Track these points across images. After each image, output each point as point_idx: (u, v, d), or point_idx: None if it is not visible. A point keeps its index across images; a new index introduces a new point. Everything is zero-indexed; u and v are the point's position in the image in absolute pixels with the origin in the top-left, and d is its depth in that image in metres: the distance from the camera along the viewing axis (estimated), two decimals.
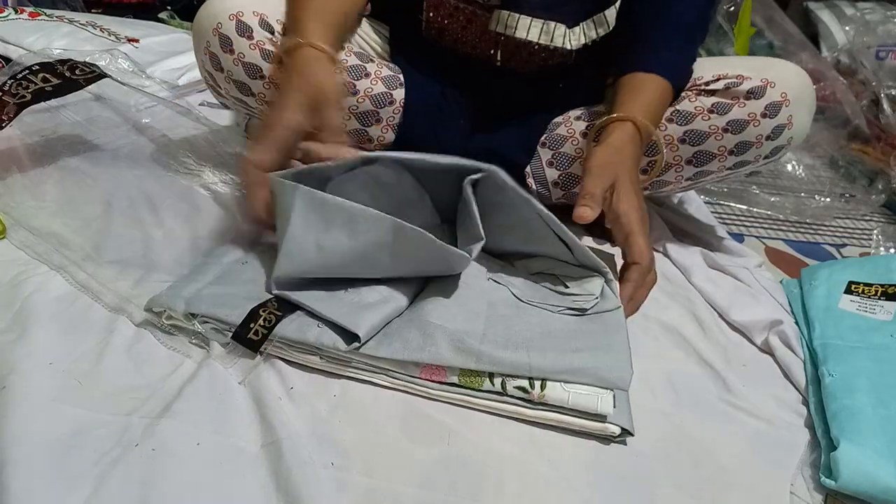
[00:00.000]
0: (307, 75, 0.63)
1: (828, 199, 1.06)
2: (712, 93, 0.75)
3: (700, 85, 0.75)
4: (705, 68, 0.76)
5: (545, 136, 0.82)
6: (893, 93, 1.10)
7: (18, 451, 0.44)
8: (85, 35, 1.17)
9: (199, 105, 1.10)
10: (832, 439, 0.54)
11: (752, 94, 0.73)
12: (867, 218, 1.04)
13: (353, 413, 0.52)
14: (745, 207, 1.00)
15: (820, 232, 0.98)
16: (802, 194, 1.07)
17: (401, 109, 0.81)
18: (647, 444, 0.54)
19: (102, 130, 0.98)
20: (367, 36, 0.86)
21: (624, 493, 0.49)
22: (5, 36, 1.13)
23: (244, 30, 0.74)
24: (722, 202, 1.01)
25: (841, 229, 1.00)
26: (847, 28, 1.36)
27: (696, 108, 0.75)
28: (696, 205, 0.96)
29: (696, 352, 0.66)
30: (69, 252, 0.66)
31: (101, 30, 1.20)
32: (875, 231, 0.94)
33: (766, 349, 0.68)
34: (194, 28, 0.78)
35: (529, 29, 0.75)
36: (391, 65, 0.83)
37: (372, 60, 0.81)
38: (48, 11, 1.25)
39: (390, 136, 0.83)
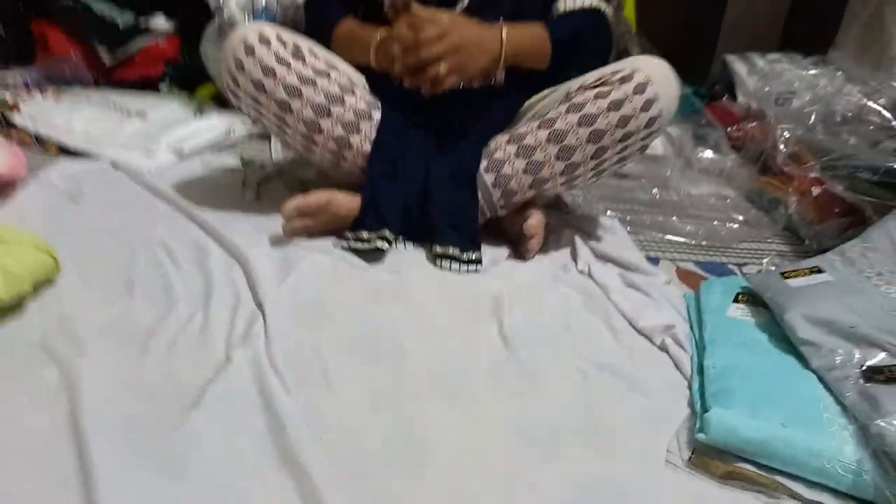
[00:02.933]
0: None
1: (736, 225, 1.26)
2: (596, 86, 0.98)
3: (586, 85, 0.99)
4: (589, 75, 1.00)
5: (486, 162, 1.02)
6: (786, 134, 1.31)
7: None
8: (101, 111, 1.36)
9: (199, 167, 1.28)
10: (706, 409, 0.71)
11: (624, 80, 0.95)
12: (769, 240, 1.23)
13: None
14: (661, 235, 1.19)
15: (727, 254, 1.17)
16: (715, 222, 1.26)
17: (377, 126, 1.03)
18: (559, 412, 0.71)
19: (119, 191, 1.17)
20: (351, 71, 1.07)
21: (536, 443, 0.66)
22: (35, 116, 1.33)
23: (264, 40, 0.97)
24: (642, 231, 1.20)
25: (745, 251, 1.19)
26: (756, 78, 1.58)
27: (584, 98, 0.97)
28: (620, 233, 1.15)
29: (608, 351, 0.84)
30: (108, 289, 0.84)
31: (114, 105, 1.40)
32: (769, 256, 1.14)
33: (663, 347, 0.86)
34: (225, 45, 0.99)
35: None
36: (371, 94, 1.06)
37: (357, 87, 1.04)
38: (68, 92, 1.44)
39: (367, 147, 1.03)
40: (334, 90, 1.00)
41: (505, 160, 1.01)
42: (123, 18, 1.62)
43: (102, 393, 0.66)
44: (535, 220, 1.03)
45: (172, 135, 1.31)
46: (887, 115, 1.32)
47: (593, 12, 1.06)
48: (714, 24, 2.03)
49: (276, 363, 0.73)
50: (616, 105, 0.95)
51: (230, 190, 1.19)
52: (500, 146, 1.03)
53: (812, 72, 1.53)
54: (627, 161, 1.03)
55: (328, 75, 1.01)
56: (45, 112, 1.34)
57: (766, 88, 1.48)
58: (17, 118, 1.35)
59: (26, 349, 0.73)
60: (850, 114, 1.38)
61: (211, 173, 1.25)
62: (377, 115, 1.05)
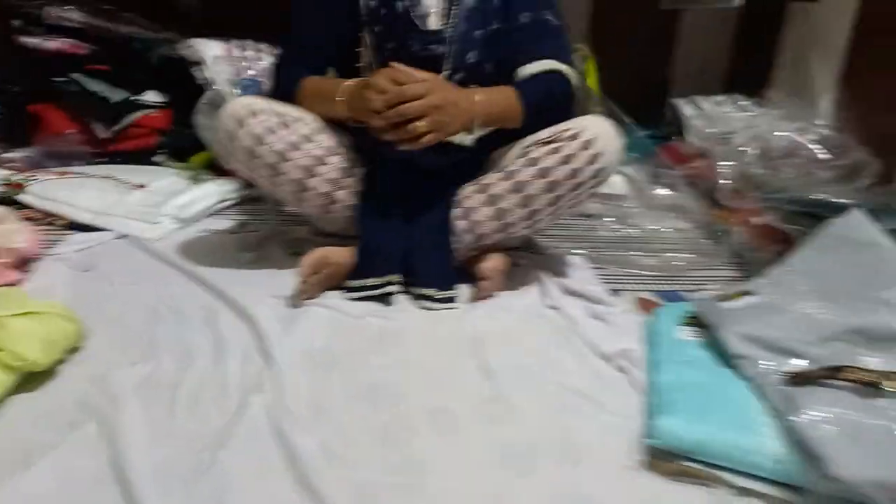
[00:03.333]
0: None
1: (690, 256, 1.40)
2: (549, 142, 1.11)
3: (541, 140, 1.13)
4: (544, 132, 1.14)
5: (458, 210, 1.16)
6: (728, 171, 1.46)
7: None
8: (104, 185, 1.48)
9: (200, 232, 1.40)
10: (655, 419, 0.83)
11: (573, 137, 1.09)
12: (719, 267, 1.37)
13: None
14: (623, 270, 1.33)
15: (681, 282, 1.31)
16: (670, 254, 1.40)
17: (361, 182, 1.17)
18: (534, 433, 0.83)
19: (130, 260, 1.28)
20: (336, 132, 1.19)
21: (515, 461, 0.78)
22: (42, 194, 1.44)
23: (253, 112, 1.10)
24: (605, 266, 1.34)
25: (697, 278, 1.32)
26: (701, 120, 1.75)
27: (540, 153, 1.11)
28: (584, 270, 1.28)
29: (572, 374, 0.96)
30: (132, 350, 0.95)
31: (115, 180, 1.52)
32: (719, 282, 1.28)
33: (622, 370, 0.98)
34: (220, 116, 1.13)
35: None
36: (354, 150, 1.20)
37: (341, 147, 1.18)
38: (71, 169, 1.56)
39: (352, 200, 1.17)
40: (319, 152, 1.14)
41: (475, 207, 1.15)
42: (117, 95, 1.75)
43: (139, 441, 0.77)
44: (490, 264, 1.15)
45: (173, 203, 1.43)
46: (816, 148, 1.48)
47: (559, 75, 1.17)
48: (664, 71, 2.21)
49: (288, 407, 0.84)
50: (567, 159, 1.09)
51: (230, 252, 1.30)
52: (470, 195, 1.16)
53: (751, 113, 1.69)
54: (581, 205, 1.17)
55: (313, 139, 1.14)
56: (51, 189, 1.46)
57: (709, 129, 1.64)
58: (25, 196, 1.46)
59: (66, 407, 0.84)
60: (784, 149, 1.54)
61: (211, 237, 1.37)
62: (360, 171, 1.19)
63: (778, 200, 1.27)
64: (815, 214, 1.19)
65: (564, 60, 1.18)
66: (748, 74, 2.04)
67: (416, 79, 1.06)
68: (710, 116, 1.73)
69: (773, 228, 1.28)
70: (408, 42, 1.16)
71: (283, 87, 1.20)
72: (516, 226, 1.16)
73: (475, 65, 1.18)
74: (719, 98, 1.85)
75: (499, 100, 1.13)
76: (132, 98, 1.75)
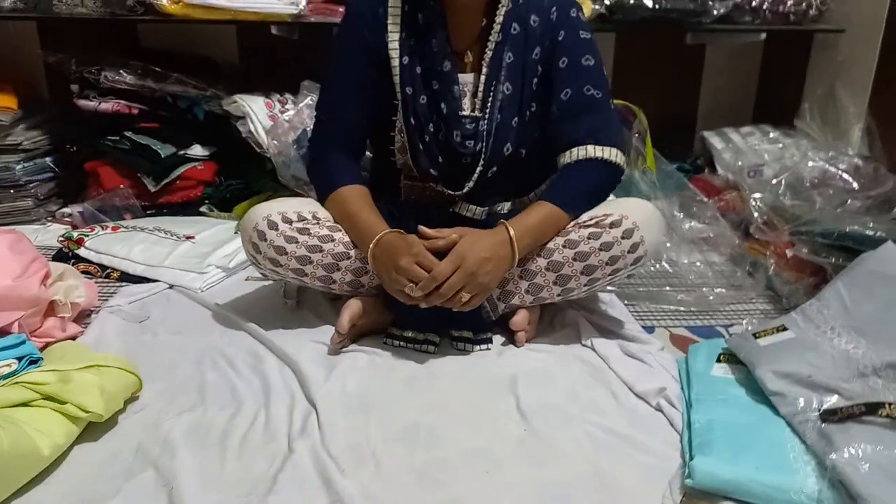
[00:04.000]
0: (401, 246, 1.06)
1: (723, 290, 1.40)
2: (588, 226, 1.11)
3: (581, 223, 1.12)
4: (583, 215, 1.13)
5: None
6: (760, 203, 1.47)
7: None
8: (155, 238, 1.56)
9: (245, 280, 1.47)
10: (692, 458, 0.84)
11: (613, 225, 1.09)
12: (753, 300, 1.37)
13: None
14: (656, 305, 1.34)
15: (715, 316, 1.31)
16: (704, 288, 1.41)
17: None
18: (571, 472, 0.85)
19: (179, 310, 1.34)
20: None
21: (546, 499, 0.80)
22: (98, 248, 1.53)
23: (272, 225, 1.13)
24: (639, 302, 1.35)
25: (731, 312, 1.33)
26: (730, 152, 1.76)
27: (579, 236, 1.10)
28: (618, 308, 1.30)
29: (608, 413, 0.98)
30: (182, 398, 1.00)
31: (165, 232, 1.60)
32: (753, 315, 1.28)
33: (658, 409, 0.99)
34: (241, 227, 1.18)
35: (477, 212, 1.18)
36: None
37: None
38: (124, 224, 1.65)
39: (376, 281, 1.15)
40: (339, 250, 1.14)
41: (509, 279, 1.14)
42: (165, 150, 1.85)
43: (194, 487, 0.81)
44: (519, 317, 1.15)
45: (218, 253, 1.50)
46: (848, 178, 1.48)
47: (598, 163, 1.12)
48: (691, 104, 2.24)
49: (331, 450, 0.88)
50: (606, 247, 1.09)
51: (273, 300, 1.36)
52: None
53: (780, 144, 1.70)
54: (617, 282, 1.16)
55: (332, 238, 1.15)
56: (106, 244, 1.54)
57: (739, 162, 1.65)
58: (81, 251, 1.55)
59: (125, 456, 0.89)
60: (815, 179, 1.54)
61: (255, 286, 1.43)
62: None
63: (809, 233, 1.27)
64: (849, 247, 1.19)
65: (606, 138, 1.13)
66: (775, 106, 2.05)
67: (441, 245, 1.06)
68: (739, 148, 1.74)
69: (806, 261, 1.28)
70: (442, 135, 1.15)
71: (317, 185, 1.23)
72: (549, 299, 1.17)
73: (511, 155, 1.17)
74: (747, 129, 1.87)
75: (534, 224, 1.10)
76: (179, 152, 1.84)
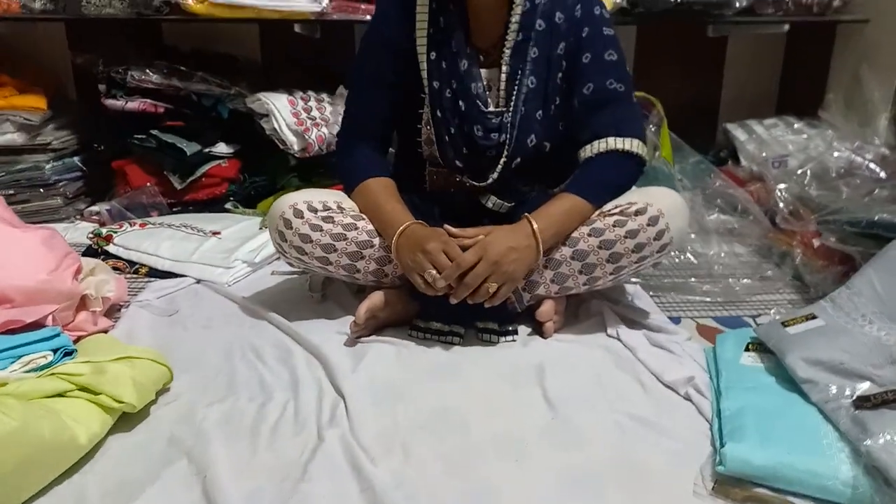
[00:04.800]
0: (429, 234, 1.07)
1: (749, 280, 1.39)
2: (613, 215, 1.11)
3: (605, 212, 1.12)
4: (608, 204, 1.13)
5: None
6: (785, 194, 1.46)
7: None
8: (182, 234, 1.58)
9: (272, 274, 1.48)
10: (723, 445, 0.84)
11: (639, 213, 1.09)
12: (780, 291, 1.36)
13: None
14: (681, 296, 1.33)
15: (741, 307, 1.30)
16: (730, 279, 1.40)
17: None
18: (600, 461, 0.85)
19: (207, 304, 1.36)
20: None
21: (582, 488, 0.80)
22: (126, 244, 1.55)
23: (297, 213, 1.15)
24: (665, 293, 1.35)
25: (758, 303, 1.32)
26: (754, 144, 1.74)
27: (604, 224, 1.11)
28: (643, 298, 1.30)
29: (639, 404, 0.97)
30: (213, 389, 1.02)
31: (191, 228, 1.62)
32: (780, 305, 1.27)
33: (687, 397, 0.99)
34: (268, 216, 1.19)
35: (501, 205, 1.19)
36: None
37: None
38: (151, 220, 1.68)
39: (400, 272, 1.16)
40: (363, 238, 1.16)
41: (534, 270, 1.13)
42: (191, 148, 1.87)
43: (228, 475, 0.82)
44: (545, 308, 1.15)
45: (245, 248, 1.51)
46: (875, 167, 1.46)
47: (629, 158, 1.14)
48: (714, 96, 2.22)
49: (360, 439, 0.89)
50: (632, 234, 1.09)
51: (299, 293, 1.37)
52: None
53: (804, 135, 1.68)
54: (643, 271, 1.17)
55: (356, 227, 1.16)
56: (135, 240, 1.57)
57: (763, 154, 1.63)
58: (110, 247, 1.58)
59: (159, 445, 0.90)
60: (842, 169, 1.53)
61: (281, 280, 1.45)
62: None
63: (837, 222, 1.26)
64: (877, 235, 1.18)
65: (629, 130, 1.14)
66: (799, 97, 2.03)
67: (468, 243, 1.07)
68: (763, 139, 1.73)
69: (834, 250, 1.26)
70: (467, 128, 1.17)
71: (344, 177, 1.25)
72: (574, 289, 1.17)
73: (534, 148, 1.18)
74: (771, 121, 1.85)
75: (557, 216, 1.10)
76: (204, 150, 1.87)
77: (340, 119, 1.29)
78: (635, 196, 1.13)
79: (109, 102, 1.83)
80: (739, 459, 0.78)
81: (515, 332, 1.17)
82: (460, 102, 1.16)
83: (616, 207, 1.12)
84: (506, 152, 1.17)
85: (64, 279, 1.13)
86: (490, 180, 1.19)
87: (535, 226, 1.08)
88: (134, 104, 1.83)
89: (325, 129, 1.80)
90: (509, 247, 1.06)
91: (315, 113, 1.75)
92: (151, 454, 0.88)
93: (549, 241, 1.10)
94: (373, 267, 1.18)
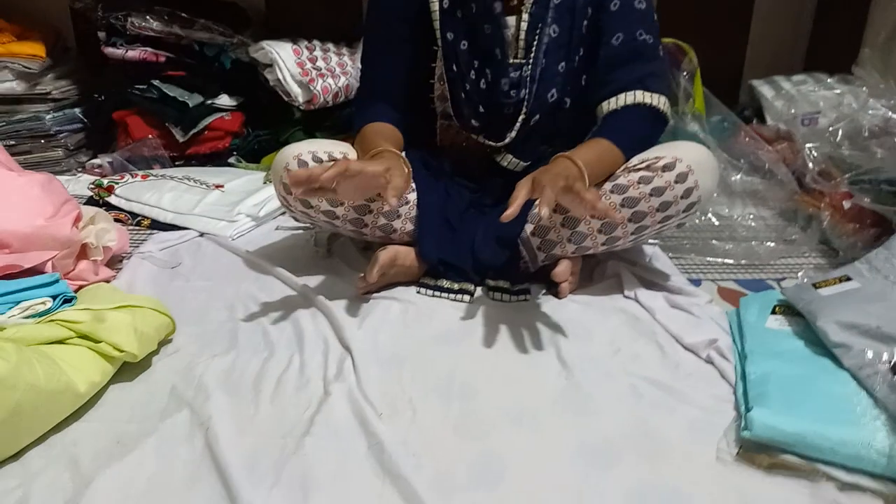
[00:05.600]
0: (390, 158, 0.98)
1: (773, 244, 1.33)
2: (638, 170, 1.03)
3: (630, 167, 1.05)
4: (632, 159, 1.06)
5: (531, 226, 1.11)
6: (815, 153, 1.39)
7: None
8: (184, 187, 1.54)
9: (276, 229, 1.44)
10: (749, 409, 0.79)
11: (666, 168, 1.02)
12: (806, 255, 1.30)
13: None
14: (702, 258, 1.28)
15: (765, 270, 1.24)
16: (753, 242, 1.34)
17: (415, 207, 1.14)
18: (614, 426, 0.81)
19: (209, 257, 1.32)
20: None
21: (595, 455, 0.76)
22: (128, 196, 1.51)
23: (302, 164, 1.08)
24: (684, 255, 1.29)
25: (783, 266, 1.26)
26: (782, 101, 1.66)
27: (628, 181, 1.03)
28: (662, 260, 1.25)
29: (656, 368, 0.93)
30: (215, 343, 0.98)
31: (194, 181, 1.57)
32: (805, 269, 1.21)
33: (709, 360, 0.94)
34: (273, 168, 1.13)
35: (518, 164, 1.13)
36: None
37: None
38: (153, 172, 1.63)
39: (409, 227, 1.14)
40: None
41: (550, 227, 1.08)
42: (193, 100, 1.81)
43: (229, 428, 0.79)
44: (562, 268, 1.08)
45: (248, 202, 1.47)
46: None
47: (655, 115, 1.08)
48: (739, 53, 2.12)
49: (367, 395, 0.85)
50: (658, 192, 1.02)
51: (304, 248, 1.33)
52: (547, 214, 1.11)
53: (836, 91, 1.60)
54: (665, 232, 1.10)
55: None
56: (136, 191, 1.52)
57: (792, 110, 1.56)
58: (113, 199, 1.53)
59: (161, 397, 0.87)
60: (876, 127, 1.45)
61: (286, 234, 1.40)
62: (413, 196, 1.14)
63: (873, 181, 1.19)
64: None
65: (656, 86, 1.08)
66: (830, 53, 1.93)
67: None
68: (792, 96, 1.65)
69: (867, 211, 1.20)
70: (484, 83, 1.10)
71: (355, 133, 1.17)
72: (593, 248, 1.10)
73: (555, 104, 1.11)
74: (800, 77, 1.77)
75: (592, 157, 1.01)
76: (207, 102, 1.81)
77: (347, 69, 1.24)
78: (663, 150, 1.05)
79: (109, 51, 1.77)
80: (767, 425, 0.73)
81: (528, 292, 1.12)
82: (478, 55, 1.09)
83: (642, 162, 1.04)
84: (524, 109, 1.10)
85: (62, 226, 1.09)
86: (507, 139, 1.13)
87: (578, 162, 0.97)
88: (134, 52, 1.76)
89: (330, 80, 1.73)
90: (555, 173, 0.93)
91: (321, 63, 1.68)
92: (152, 405, 0.85)
93: (590, 179, 0.98)
94: (381, 221, 1.13)
